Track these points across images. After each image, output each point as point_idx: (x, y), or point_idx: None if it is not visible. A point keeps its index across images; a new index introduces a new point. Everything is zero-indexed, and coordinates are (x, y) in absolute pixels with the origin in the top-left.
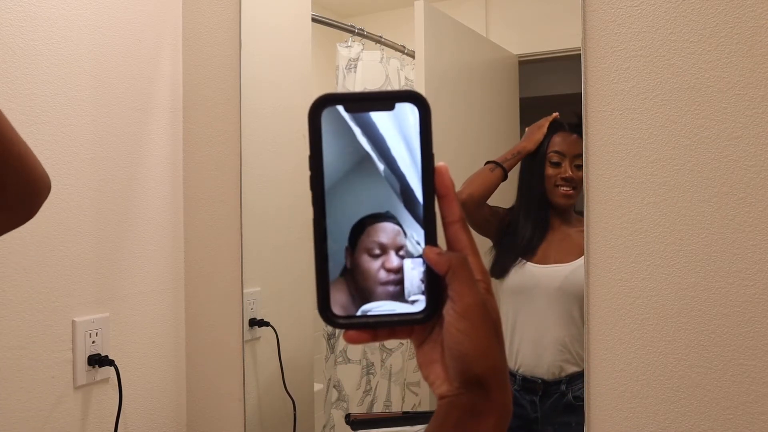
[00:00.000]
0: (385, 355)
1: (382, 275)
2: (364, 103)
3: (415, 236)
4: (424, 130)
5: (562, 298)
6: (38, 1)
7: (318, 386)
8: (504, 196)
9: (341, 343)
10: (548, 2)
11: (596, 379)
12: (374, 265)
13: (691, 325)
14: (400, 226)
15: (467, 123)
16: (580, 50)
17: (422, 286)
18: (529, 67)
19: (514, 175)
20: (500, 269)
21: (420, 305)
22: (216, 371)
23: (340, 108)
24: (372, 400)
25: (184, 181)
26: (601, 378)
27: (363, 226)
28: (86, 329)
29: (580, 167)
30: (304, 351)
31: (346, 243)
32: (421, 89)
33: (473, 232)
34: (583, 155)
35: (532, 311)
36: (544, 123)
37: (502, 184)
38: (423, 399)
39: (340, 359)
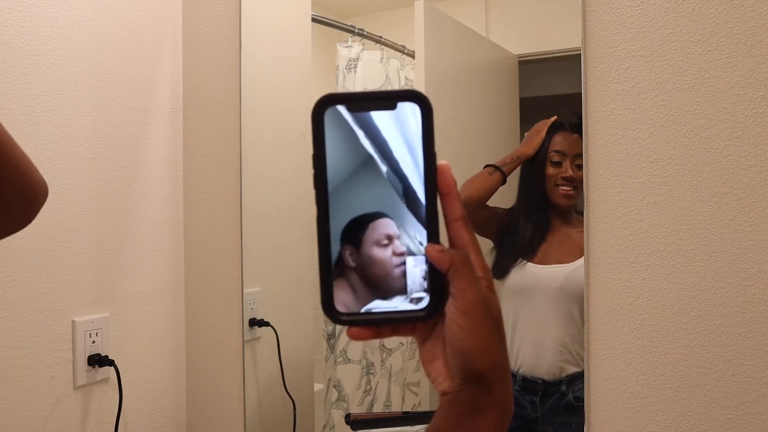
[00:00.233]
0: (385, 355)
1: (395, 260)
2: (366, 102)
3: (417, 236)
4: (426, 128)
5: (562, 299)
6: (38, 1)
7: (318, 386)
8: (504, 197)
9: (341, 343)
10: (548, 2)
11: (596, 379)
12: (386, 253)
13: (691, 325)
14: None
15: (467, 123)
16: (580, 50)
17: (424, 284)
18: (529, 67)
19: (514, 175)
20: (501, 269)
21: (422, 302)
22: (216, 371)
23: (343, 108)
24: (372, 400)
25: (184, 181)
26: (601, 378)
27: (364, 223)
28: (86, 329)
29: (580, 167)
30: (304, 351)
31: (347, 243)
32: (421, 89)
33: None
34: (583, 155)
35: (532, 311)
36: (543, 127)
37: (502, 186)
38: (423, 399)
39: (340, 359)
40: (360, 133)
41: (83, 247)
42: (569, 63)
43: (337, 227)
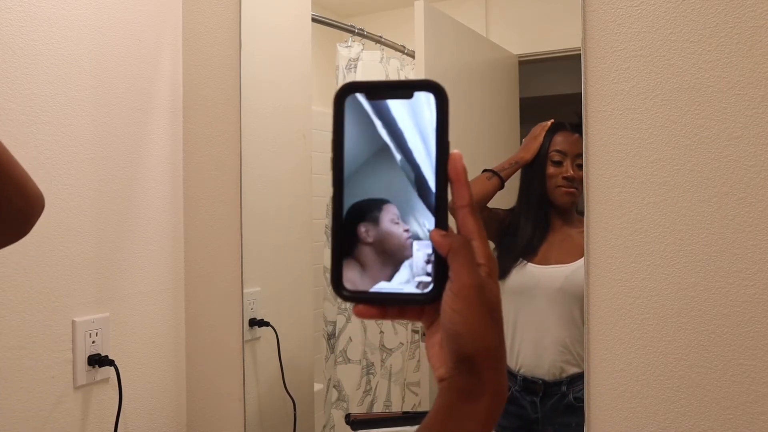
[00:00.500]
0: (385, 355)
1: (405, 234)
2: (384, 91)
3: (426, 224)
4: (440, 118)
5: (562, 299)
6: (38, 1)
7: (318, 386)
8: (504, 197)
9: (341, 343)
10: (548, 2)
11: (596, 379)
12: (399, 228)
13: (691, 325)
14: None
15: (467, 123)
16: (580, 50)
17: (427, 267)
18: (529, 67)
19: (514, 177)
20: (501, 270)
21: (427, 287)
22: (216, 371)
23: (362, 97)
24: (372, 400)
25: (184, 181)
26: (601, 378)
27: (378, 205)
28: (86, 329)
29: (581, 167)
30: (304, 351)
31: (364, 221)
32: None
33: None
34: (583, 155)
35: (532, 312)
36: (540, 132)
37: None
38: (423, 399)
39: (340, 359)
40: (378, 123)
41: (83, 247)
42: (569, 63)
43: (349, 210)
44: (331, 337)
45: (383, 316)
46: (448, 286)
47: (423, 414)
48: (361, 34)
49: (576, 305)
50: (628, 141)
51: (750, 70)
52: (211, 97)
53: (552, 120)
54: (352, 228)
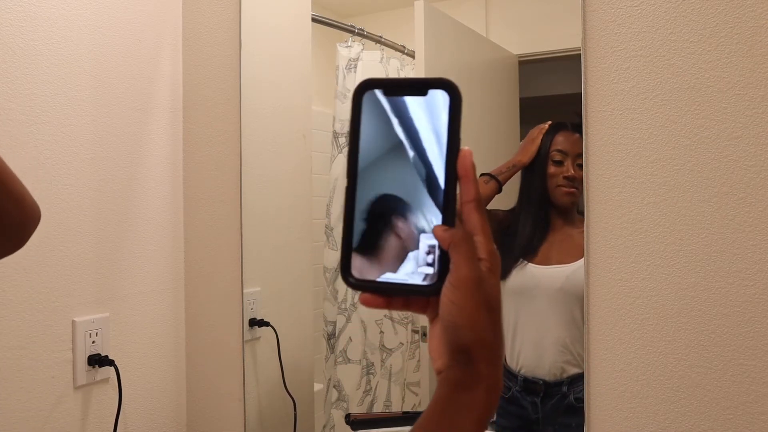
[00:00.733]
0: (385, 355)
1: (414, 231)
2: (400, 88)
3: (434, 220)
4: (453, 115)
5: (563, 299)
6: (38, 1)
7: (318, 386)
8: (506, 198)
9: (341, 343)
10: (548, 2)
11: (596, 379)
12: (413, 224)
13: (691, 325)
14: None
15: (467, 123)
16: (580, 50)
17: (428, 258)
18: (529, 67)
19: (515, 178)
20: (502, 271)
21: (429, 279)
22: (216, 371)
23: (380, 93)
24: (372, 400)
25: (184, 181)
26: (601, 378)
27: (395, 201)
28: (86, 329)
29: (582, 166)
30: (304, 351)
31: (398, 216)
32: None
33: None
34: (583, 155)
35: (533, 312)
36: (537, 134)
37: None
38: (423, 399)
39: (340, 359)
40: (395, 121)
41: (83, 247)
42: (569, 63)
43: (364, 202)
44: (331, 337)
45: (388, 306)
46: (448, 278)
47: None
48: (361, 34)
49: (577, 305)
50: (628, 141)
51: (750, 70)
52: (211, 97)
53: (549, 122)
54: (365, 221)
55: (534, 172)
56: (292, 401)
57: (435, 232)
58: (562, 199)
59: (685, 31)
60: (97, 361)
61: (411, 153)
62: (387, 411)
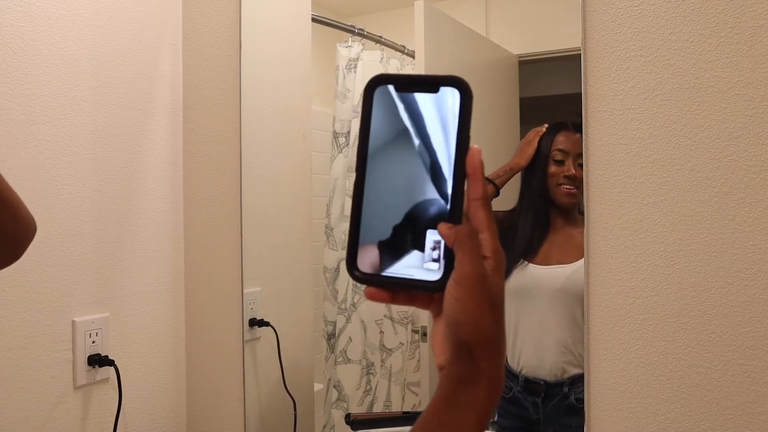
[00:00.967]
0: (385, 355)
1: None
2: (412, 85)
3: (438, 212)
4: (463, 113)
5: (563, 299)
6: (38, 1)
7: (318, 386)
8: (507, 198)
9: (341, 343)
10: (548, 2)
11: (596, 379)
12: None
13: (691, 325)
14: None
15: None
16: (580, 50)
17: (433, 254)
18: (529, 67)
19: (516, 178)
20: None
21: (435, 275)
22: (216, 371)
23: (392, 88)
24: (372, 400)
25: (184, 181)
26: (601, 378)
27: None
28: (86, 329)
29: (583, 166)
30: (304, 351)
31: (390, 214)
32: None
33: None
34: (583, 155)
35: (533, 312)
36: (534, 137)
37: (504, 187)
38: (423, 399)
39: (340, 359)
40: (401, 107)
41: (83, 247)
42: (569, 63)
43: (371, 191)
44: (331, 337)
45: (393, 300)
46: (452, 274)
47: None
48: (361, 34)
49: (577, 305)
50: (628, 141)
51: (750, 70)
52: (211, 97)
53: (547, 125)
54: (371, 211)
55: (535, 171)
56: (292, 401)
57: (440, 229)
58: (562, 199)
59: (685, 31)
60: (97, 361)
61: (416, 141)
62: (387, 411)
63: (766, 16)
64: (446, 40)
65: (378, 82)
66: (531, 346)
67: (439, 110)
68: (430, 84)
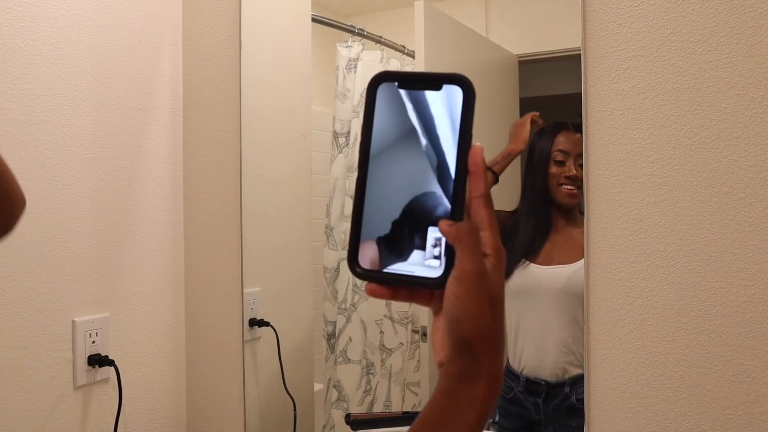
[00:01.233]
0: (385, 355)
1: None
2: (415, 82)
3: (442, 211)
4: (465, 111)
5: (564, 299)
6: (38, 1)
7: (318, 386)
8: (507, 198)
9: (341, 343)
10: (548, 2)
11: (596, 379)
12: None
13: (691, 325)
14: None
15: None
16: (580, 50)
17: (434, 251)
18: (529, 67)
19: (517, 178)
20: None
21: (436, 272)
22: (216, 371)
23: (395, 85)
24: (372, 400)
25: (184, 181)
26: (601, 378)
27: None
28: (86, 329)
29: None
30: (304, 351)
31: (392, 211)
32: None
33: None
34: (583, 155)
35: (535, 312)
36: (526, 119)
37: (504, 188)
38: (423, 399)
39: (340, 359)
40: (409, 106)
41: (83, 247)
42: (569, 63)
43: (377, 190)
44: (331, 337)
45: (393, 297)
46: (452, 271)
47: None
48: (361, 34)
49: (578, 306)
50: (628, 141)
51: (750, 70)
52: (211, 97)
53: (536, 113)
54: (372, 207)
55: (536, 172)
56: (292, 401)
57: (441, 226)
58: (564, 200)
59: (685, 31)
60: (97, 361)
61: (424, 141)
62: (387, 411)
63: (766, 16)
64: (446, 40)
65: (381, 79)
66: (532, 346)
67: (443, 107)
68: (434, 81)
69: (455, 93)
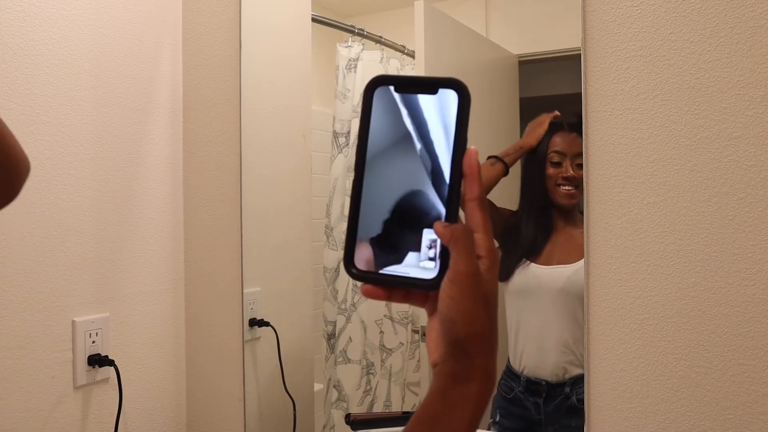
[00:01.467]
0: (385, 355)
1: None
2: (411, 86)
3: (437, 214)
4: (461, 114)
5: (565, 299)
6: (38, 1)
7: (318, 386)
8: (508, 199)
9: (341, 343)
10: (548, 2)
11: (596, 379)
12: (418, 219)
13: (691, 325)
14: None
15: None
16: (580, 50)
17: (429, 253)
18: (529, 67)
19: (517, 177)
20: (505, 271)
21: (431, 273)
22: (216, 371)
23: (392, 88)
24: (372, 400)
25: (184, 181)
26: (601, 378)
27: (417, 197)
28: (86, 329)
29: (581, 166)
30: (304, 351)
31: (387, 213)
32: None
33: None
34: (583, 155)
35: (535, 312)
36: (545, 119)
37: (505, 188)
38: (423, 399)
39: (340, 359)
40: (404, 112)
41: (83, 247)
42: (569, 63)
43: (372, 193)
44: (331, 337)
45: (388, 298)
46: (447, 273)
47: None
48: (361, 34)
49: (578, 306)
50: (628, 141)
51: (750, 70)
52: (211, 97)
53: (557, 112)
54: (368, 209)
55: (533, 173)
56: (292, 401)
57: (435, 228)
58: (562, 200)
59: (685, 31)
60: (97, 361)
61: (418, 146)
62: (387, 411)
63: (766, 16)
64: (446, 40)
65: (377, 83)
66: (533, 346)
67: (441, 113)
68: (429, 85)
69: (451, 97)
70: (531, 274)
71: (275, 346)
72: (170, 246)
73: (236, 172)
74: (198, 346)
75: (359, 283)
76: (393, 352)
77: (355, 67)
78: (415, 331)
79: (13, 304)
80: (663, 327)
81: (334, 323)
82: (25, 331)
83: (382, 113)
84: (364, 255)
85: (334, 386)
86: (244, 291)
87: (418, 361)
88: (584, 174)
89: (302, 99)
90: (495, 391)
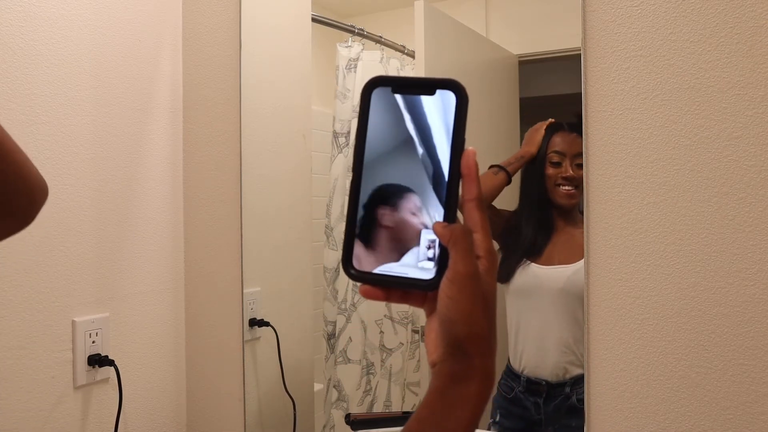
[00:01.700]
0: (385, 355)
1: (420, 225)
2: (409, 87)
3: (437, 216)
4: (458, 115)
5: (565, 299)
6: (38, 1)
7: (318, 386)
8: (508, 199)
9: (341, 343)
10: (548, 2)
11: (596, 379)
12: (416, 219)
13: (691, 325)
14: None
15: (467, 123)
16: (580, 50)
17: (428, 253)
18: (529, 67)
19: (517, 178)
20: (506, 271)
21: (429, 273)
22: (216, 371)
23: (389, 90)
24: (372, 400)
25: (184, 181)
26: (601, 378)
27: (401, 192)
28: (86, 329)
29: (580, 166)
30: (304, 351)
31: (385, 205)
32: None
33: None
34: (583, 155)
35: (535, 312)
36: (541, 126)
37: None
38: (422, 399)
39: (340, 359)
40: (403, 111)
41: (83, 247)
42: (569, 63)
43: (368, 194)
44: (331, 337)
45: (387, 298)
46: (445, 273)
47: None
48: (361, 34)
49: (579, 306)
50: (628, 141)
51: (750, 70)
52: (211, 97)
53: (551, 119)
54: (368, 210)
55: (533, 173)
56: (292, 401)
57: (434, 228)
58: (562, 200)
59: (685, 31)
60: (97, 361)
61: (420, 149)
62: (387, 411)
63: (766, 16)
64: (446, 40)
65: (375, 84)
66: (533, 346)
67: (437, 113)
68: (427, 86)
69: (449, 98)
70: (531, 274)
71: (275, 346)
72: (170, 246)
73: (236, 172)
74: (198, 346)
75: (359, 284)
76: (393, 352)
77: (355, 67)
78: (415, 331)
79: (13, 304)
80: (663, 327)
81: (334, 323)
82: (25, 331)
83: (382, 115)
84: (362, 255)
85: (334, 386)
86: (244, 291)
87: (418, 361)
88: (584, 174)
89: (302, 99)
90: (494, 391)
